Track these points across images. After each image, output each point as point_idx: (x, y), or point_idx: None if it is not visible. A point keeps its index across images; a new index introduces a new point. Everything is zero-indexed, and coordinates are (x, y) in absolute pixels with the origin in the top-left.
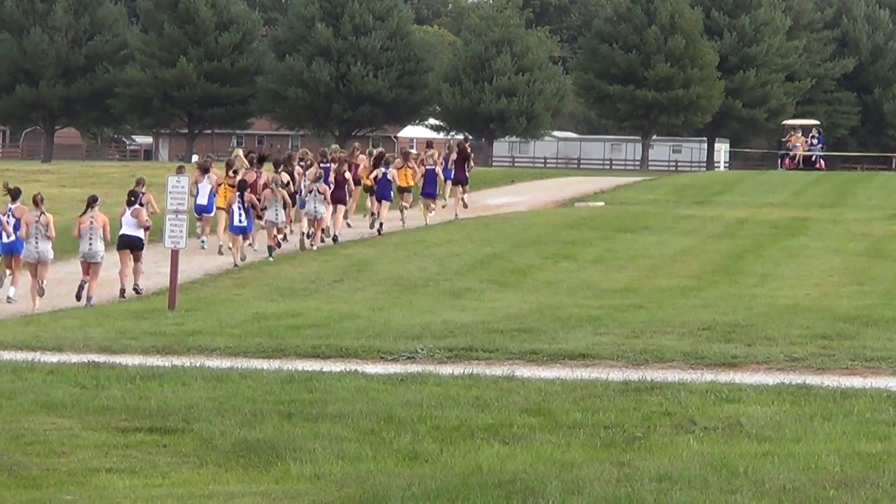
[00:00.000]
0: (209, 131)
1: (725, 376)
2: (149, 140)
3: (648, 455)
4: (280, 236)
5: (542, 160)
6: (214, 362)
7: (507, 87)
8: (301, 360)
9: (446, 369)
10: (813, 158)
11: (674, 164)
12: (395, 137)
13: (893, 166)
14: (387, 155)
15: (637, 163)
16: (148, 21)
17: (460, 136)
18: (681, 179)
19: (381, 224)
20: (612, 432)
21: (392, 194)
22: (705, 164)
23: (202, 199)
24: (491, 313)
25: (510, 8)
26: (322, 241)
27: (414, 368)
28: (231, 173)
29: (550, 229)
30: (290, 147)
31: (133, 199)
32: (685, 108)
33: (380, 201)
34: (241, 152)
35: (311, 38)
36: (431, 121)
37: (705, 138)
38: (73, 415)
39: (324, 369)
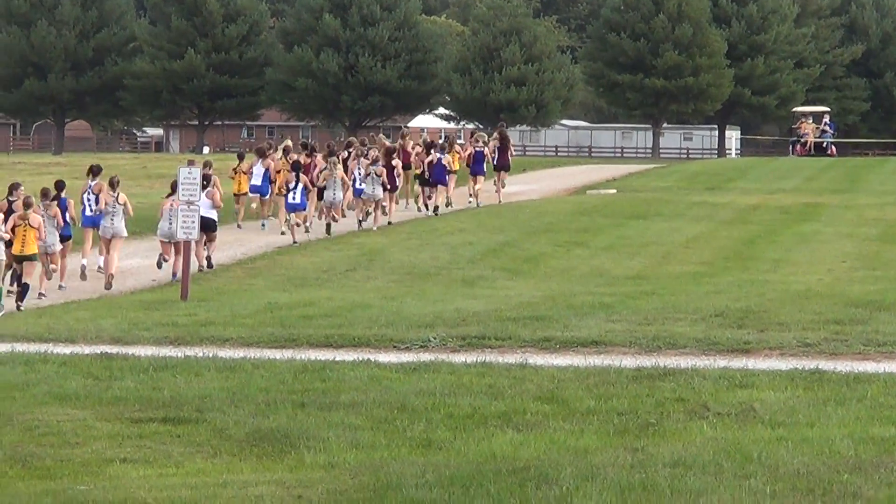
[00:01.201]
0: (219, 123)
1: (738, 362)
2: (159, 132)
3: (662, 441)
4: (337, 215)
5: (554, 149)
6: (227, 352)
7: (516, 77)
8: (314, 350)
9: (459, 357)
10: (824, 145)
11: (685, 151)
12: (406, 127)
13: None
14: (439, 142)
15: (648, 151)
16: (155, 13)
17: (471, 126)
18: (692, 166)
19: (436, 207)
20: (626, 419)
21: (447, 178)
22: (716, 152)
23: (256, 181)
24: (503, 301)
25: None
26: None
27: (427, 357)
28: (287, 158)
29: (562, 217)
30: (300, 138)
31: (206, 182)
32: (695, 97)
33: (435, 186)
34: (289, 142)
35: (320, 30)
36: (441, 110)
37: (716, 126)
38: (86, 406)
39: (336, 359)
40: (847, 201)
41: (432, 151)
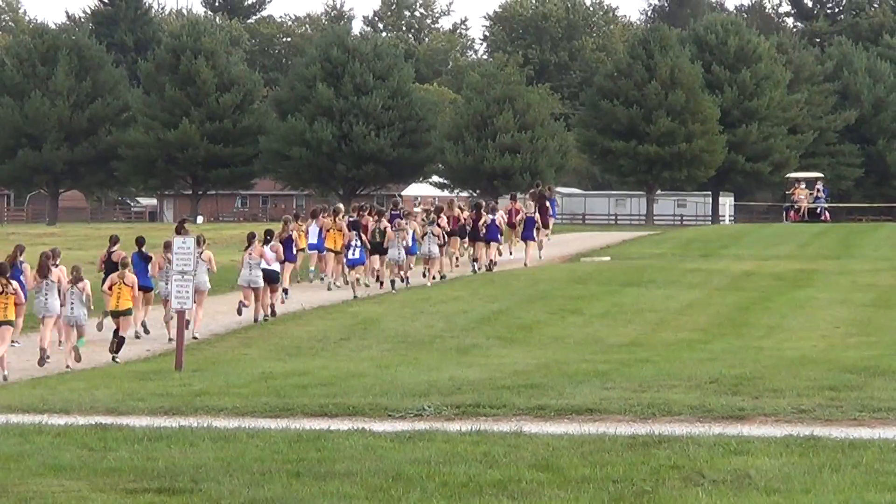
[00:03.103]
0: (213, 192)
1: (733, 429)
2: (153, 202)
3: None
4: (403, 273)
5: None
6: (222, 422)
7: (510, 145)
8: (308, 419)
9: (454, 426)
10: (818, 210)
11: (679, 218)
12: (400, 196)
13: None
14: (491, 204)
15: (642, 217)
16: (149, 83)
17: (465, 194)
18: (686, 233)
19: (491, 263)
20: (621, 486)
21: (501, 237)
22: (710, 218)
23: (313, 239)
24: (498, 369)
25: (510, 65)
26: (434, 278)
27: (421, 425)
28: (338, 219)
29: (557, 285)
30: (294, 207)
31: (269, 237)
32: (688, 163)
33: (488, 244)
34: (340, 205)
35: (313, 99)
36: (435, 178)
37: (710, 192)
38: (81, 477)
39: (331, 428)
40: (841, 267)
41: (483, 213)
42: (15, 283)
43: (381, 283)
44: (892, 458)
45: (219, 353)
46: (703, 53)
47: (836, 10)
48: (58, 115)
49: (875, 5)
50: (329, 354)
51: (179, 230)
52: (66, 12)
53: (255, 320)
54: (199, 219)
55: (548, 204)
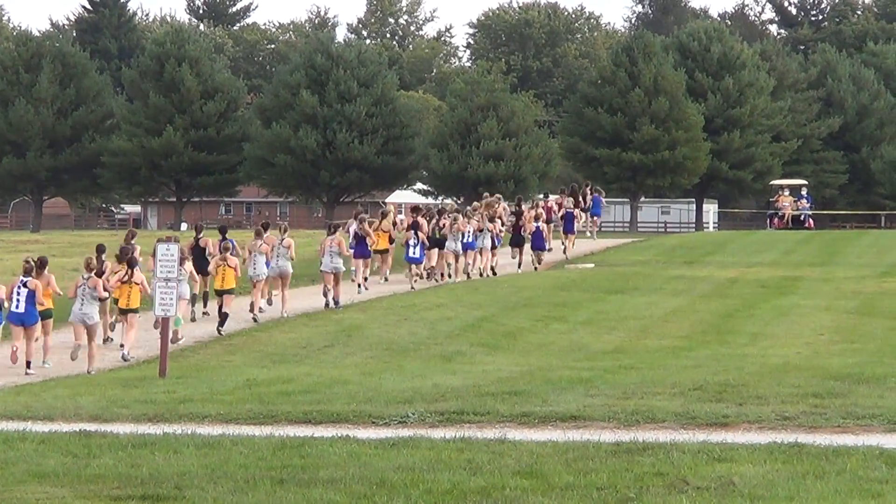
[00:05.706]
0: (197, 199)
1: (717, 436)
2: (137, 209)
3: None
4: (459, 267)
5: None
6: (206, 429)
7: (494, 152)
8: (292, 426)
9: (438, 433)
10: (802, 218)
11: (663, 225)
12: (383, 203)
13: (882, 224)
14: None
15: (626, 224)
16: (133, 90)
17: (449, 201)
18: (670, 240)
19: (535, 267)
20: (605, 494)
21: (546, 243)
22: (694, 225)
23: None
24: (482, 376)
25: (494, 73)
26: (480, 275)
27: (405, 432)
28: (385, 222)
29: (540, 292)
30: (277, 214)
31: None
32: (672, 170)
33: (534, 250)
34: (393, 208)
35: (297, 106)
36: (419, 185)
37: (694, 199)
38: (65, 484)
39: (315, 435)
40: (825, 274)
41: (526, 219)
42: (140, 275)
43: (439, 277)
44: (875, 465)
45: (203, 360)
46: (687, 61)
47: (820, 17)
48: (41, 122)
49: (859, 12)
50: (313, 361)
51: (267, 227)
52: (50, 19)
53: (327, 306)
54: (184, 226)
55: (589, 200)
